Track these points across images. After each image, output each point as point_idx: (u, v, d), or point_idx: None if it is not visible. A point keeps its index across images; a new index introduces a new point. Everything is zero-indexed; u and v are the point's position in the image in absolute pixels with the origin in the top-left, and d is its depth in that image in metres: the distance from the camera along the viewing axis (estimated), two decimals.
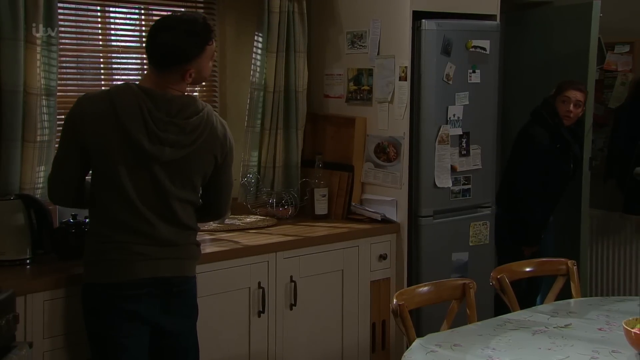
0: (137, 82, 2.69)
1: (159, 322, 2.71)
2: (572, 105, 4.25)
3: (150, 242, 2.65)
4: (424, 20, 3.81)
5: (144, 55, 3.80)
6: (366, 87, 4.00)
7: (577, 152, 4.39)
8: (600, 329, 2.71)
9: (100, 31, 3.69)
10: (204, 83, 4.02)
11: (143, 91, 2.59)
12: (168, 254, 2.69)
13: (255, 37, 3.92)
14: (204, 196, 2.84)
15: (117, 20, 3.79)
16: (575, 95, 4.26)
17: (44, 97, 3.17)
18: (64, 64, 3.51)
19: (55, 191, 2.77)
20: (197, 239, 2.84)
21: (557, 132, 4.27)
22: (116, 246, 2.63)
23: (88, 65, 3.67)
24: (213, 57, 2.73)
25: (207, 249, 3.26)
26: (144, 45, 2.67)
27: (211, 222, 3.66)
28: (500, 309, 3.58)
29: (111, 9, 3.72)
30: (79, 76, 3.66)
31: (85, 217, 2.91)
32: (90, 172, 2.70)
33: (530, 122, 4.37)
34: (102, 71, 3.72)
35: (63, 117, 2.85)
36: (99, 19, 3.69)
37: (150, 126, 2.57)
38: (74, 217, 3.10)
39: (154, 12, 3.86)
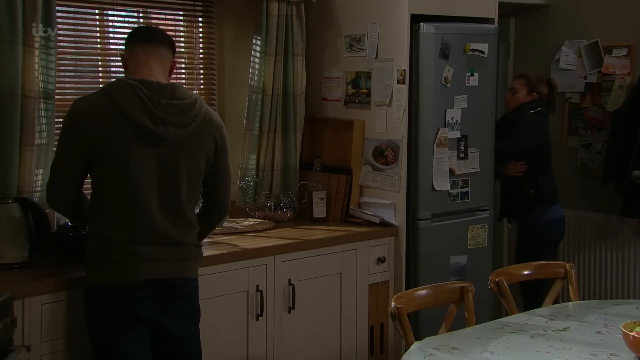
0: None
1: (161, 324, 2.71)
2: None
3: (149, 240, 2.65)
4: (422, 23, 3.81)
5: None
6: (364, 90, 4.00)
7: None
8: (598, 332, 2.71)
9: (98, 34, 3.69)
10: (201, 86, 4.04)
11: (136, 81, 2.66)
12: (168, 254, 2.69)
13: (254, 41, 3.92)
14: (205, 190, 2.85)
15: (116, 24, 3.79)
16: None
17: (42, 101, 3.17)
18: (62, 67, 3.51)
19: (55, 196, 2.78)
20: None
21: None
22: (116, 247, 2.63)
23: (86, 69, 3.67)
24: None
25: (206, 252, 3.23)
26: None
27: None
28: (499, 312, 3.59)
29: (109, 12, 3.72)
30: (77, 79, 3.65)
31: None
32: (90, 176, 2.71)
33: None
34: (100, 74, 3.71)
35: (61, 120, 2.85)
36: (97, 22, 3.69)
37: (151, 109, 2.62)
38: None
39: (152, 16, 3.86)
